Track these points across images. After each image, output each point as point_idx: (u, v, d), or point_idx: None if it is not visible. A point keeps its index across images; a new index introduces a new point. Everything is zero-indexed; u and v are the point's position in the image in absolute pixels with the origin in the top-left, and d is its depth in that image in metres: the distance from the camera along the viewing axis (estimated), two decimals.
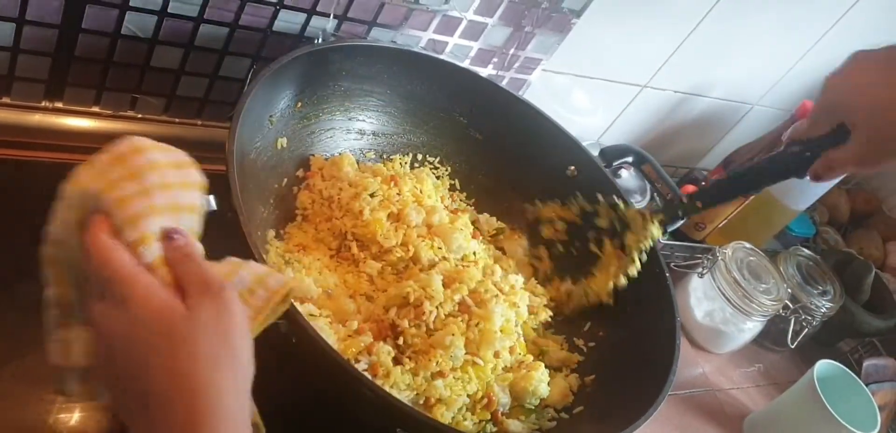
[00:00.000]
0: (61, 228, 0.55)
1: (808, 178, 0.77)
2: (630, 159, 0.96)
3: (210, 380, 0.44)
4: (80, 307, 0.51)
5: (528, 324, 0.88)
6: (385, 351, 0.74)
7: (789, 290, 1.20)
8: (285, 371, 0.63)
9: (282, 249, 0.83)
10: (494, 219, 0.99)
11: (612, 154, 0.97)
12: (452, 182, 1.00)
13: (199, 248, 0.53)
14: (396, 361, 0.75)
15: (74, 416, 0.67)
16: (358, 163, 0.92)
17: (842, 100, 0.74)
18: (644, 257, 0.87)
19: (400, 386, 0.72)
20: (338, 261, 0.85)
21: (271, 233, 0.83)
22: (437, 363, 0.74)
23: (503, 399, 0.79)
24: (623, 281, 0.88)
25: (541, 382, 0.80)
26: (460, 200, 0.99)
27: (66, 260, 0.53)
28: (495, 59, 1.04)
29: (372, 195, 0.86)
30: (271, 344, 0.53)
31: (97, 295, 0.48)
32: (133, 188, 0.50)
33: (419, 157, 0.99)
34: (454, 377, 0.75)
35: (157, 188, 0.51)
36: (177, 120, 0.92)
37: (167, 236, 0.49)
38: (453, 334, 0.75)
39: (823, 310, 1.21)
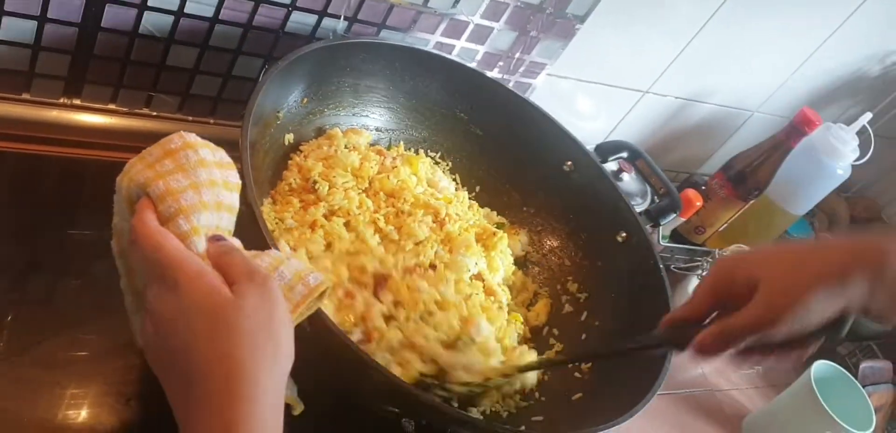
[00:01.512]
0: (119, 220, 0.58)
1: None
2: (625, 155, 0.98)
3: (249, 362, 0.46)
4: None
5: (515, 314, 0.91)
6: (378, 312, 0.76)
7: None
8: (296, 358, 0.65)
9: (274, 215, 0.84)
10: (494, 213, 1.01)
11: (607, 150, 0.99)
12: (453, 177, 1.02)
13: (239, 245, 0.56)
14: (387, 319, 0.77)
15: (82, 413, 0.68)
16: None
17: (743, 263, 0.62)
18: None
19: (392, 342, 0.74)
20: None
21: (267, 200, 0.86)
22: (423, 304, 0.77)
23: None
24: None
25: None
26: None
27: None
28: (501, 63, 1.06)
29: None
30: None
31: (148, 279, 0.51)
32: (185, 181, 0.53)
33: (420, 151, 1.01)
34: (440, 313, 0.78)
35: (205, 185, 0.54)
36: (190, 118, 0.94)
37: (213, 238, 0.53)
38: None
39: None
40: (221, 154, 0.57)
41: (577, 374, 0.86)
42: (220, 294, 0.48)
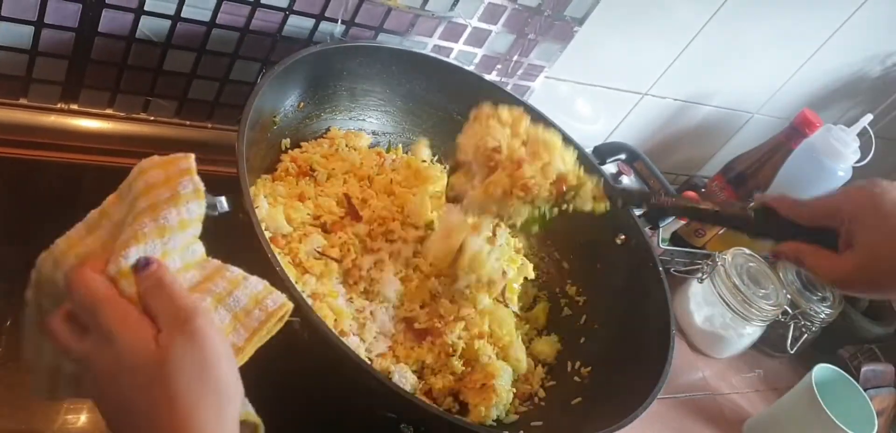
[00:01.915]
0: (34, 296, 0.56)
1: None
2: (623, 157, 0.97)
3: (192, 419, 0.44)
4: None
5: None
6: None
7: (789, 296, 1.21)
8: (293, 363, 0.65)
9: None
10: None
11: (605, 151, 0.99)
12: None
13: (197, 252, 0.53)
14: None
15: (82, 418, 0.69)
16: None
17: (853, 212, 0.64)
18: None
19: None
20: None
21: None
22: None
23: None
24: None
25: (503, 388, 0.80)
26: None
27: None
28: (499, 66, 1.06)
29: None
30: (280, 339, 0.54)
31: (86, 327, 0.48)
32: (125, 217, 0.52)
33: (422, 139, 1.00)
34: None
35: (144, 213, 0.51)
36: (188, 122, 0.94)
37: (137, 267, 0.49)
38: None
39: (823, 315, 1.22)
40: (175, 165, 0.53)
41: (576, 379, 0.86)
42: (148, 349, 0.46)
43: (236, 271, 0.54)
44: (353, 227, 0.83)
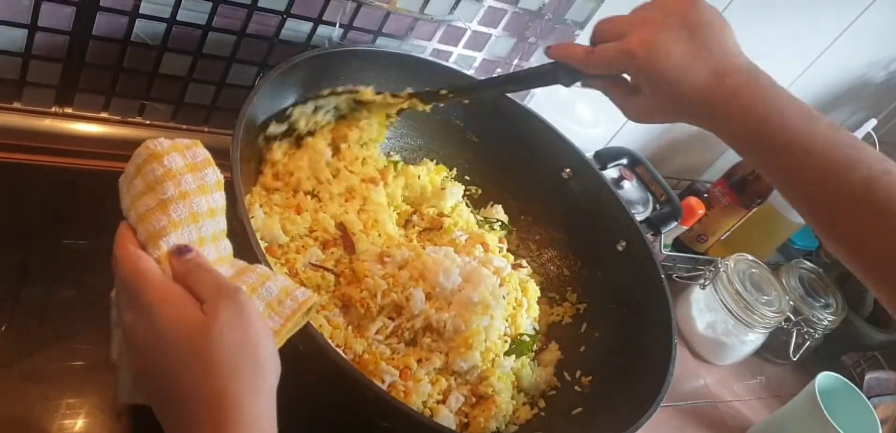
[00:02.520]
0: None
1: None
2: (625, 161, 0.96)
3: (230, 388, 0.45)
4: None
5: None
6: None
7: (791, 303, 1.20)
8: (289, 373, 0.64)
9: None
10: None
11: (606, 156, 0.98)
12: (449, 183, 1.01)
13: (227, 248, 0.55)
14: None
15: (78, 423, 0.68)
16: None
17: (642, 67, 0.66)
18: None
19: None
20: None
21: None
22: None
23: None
24: None
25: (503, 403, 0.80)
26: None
27: None
28: (499, 70, 1.05)
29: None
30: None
31: (126, 304, 0.50)
32: (153, 202, 0.52)
33: (425, 160, 1.00)
34: None
35: (174, 200, 0.52)
36: (184, 126, 0.93)
37: (176, 253, 0.51)
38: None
39: (825, 322, 1.21)
40: (195, 152, 0.54)
41: (577, 388, 0.85)
42: (191, 318, 0.47)
43: (264, 268, 0.56)
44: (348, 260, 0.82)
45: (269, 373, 0.48)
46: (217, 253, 0.55)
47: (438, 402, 0.76)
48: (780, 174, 0.63)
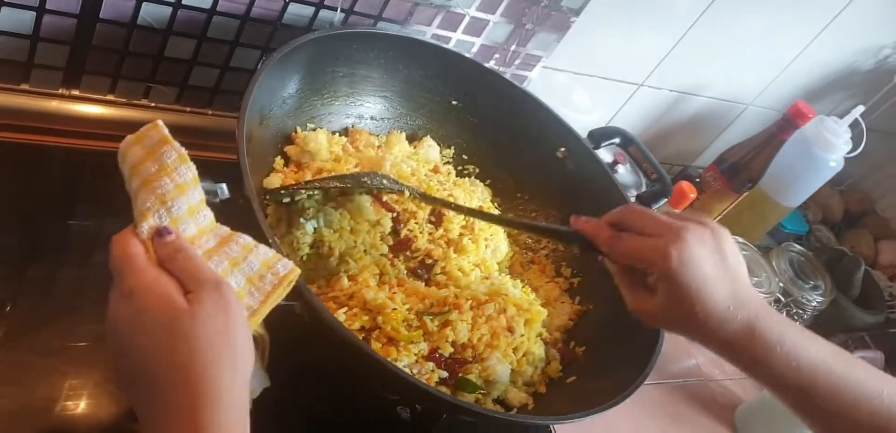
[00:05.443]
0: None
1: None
2: (617, 141, 0.98)
3: (210, 370, 0.47)
4: None
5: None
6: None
7: (781, 285, 1.22)
8: (294, 347, 0.65)
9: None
10: (488, 198, 1.02)
11: (599, 135, 1.00)
12: (448, 162, 1.02)
13: (208, 217, 0.55)
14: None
15: (82, 403, 0.69)
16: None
17: (666, 274, 0.66)
18: None
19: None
20: None
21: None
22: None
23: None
24: None
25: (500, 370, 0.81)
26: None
27: None
28: (497, 56, 1.06)
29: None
30: (282, 320, 0.56)
31: (113, 284, 0.51)
32: (130, 195, 0.54)
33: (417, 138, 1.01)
34: None
35: (141, 189, 0.53)
36: (188, 109, 0.94)
37: (157, 235, 0.52)
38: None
39: (814, 303, 1.23)
40: (151, 136, 0.55)
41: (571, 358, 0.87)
42: (174, 304, 0.48)
43: (248, 238, 0.57)
44: None
45: (246, 361, 0.50)
46: (197, 226, 0.55)
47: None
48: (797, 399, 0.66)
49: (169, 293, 0.49)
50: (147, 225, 0.52)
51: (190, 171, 0.55)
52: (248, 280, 0.54)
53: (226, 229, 0.57)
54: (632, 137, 0.98)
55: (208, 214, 0.56)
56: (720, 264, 0.65)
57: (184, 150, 0.55)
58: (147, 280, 0.49)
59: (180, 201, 0.54)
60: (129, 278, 0.49)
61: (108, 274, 0.60)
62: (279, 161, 0.87)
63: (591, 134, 1.00)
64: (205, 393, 0.46)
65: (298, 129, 0.90)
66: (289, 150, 0.88)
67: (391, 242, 0.84)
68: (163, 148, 0.54)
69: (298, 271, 0.56)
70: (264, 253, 0.56)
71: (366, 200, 0.83)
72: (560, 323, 0.91)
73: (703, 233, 0.65)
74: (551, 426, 0.89)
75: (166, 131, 0.55)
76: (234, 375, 0.48)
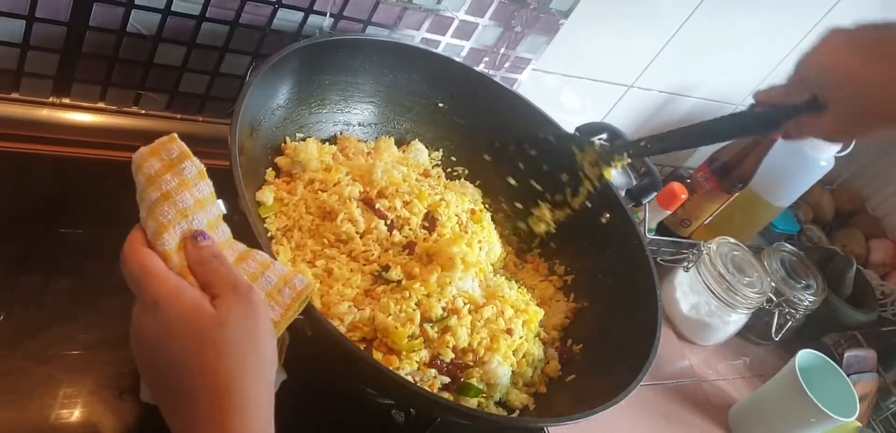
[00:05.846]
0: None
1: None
2: (605, 136, 0.99)
3: (237, 376, 0.47)
4: None
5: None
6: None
7: (773, 284, 1.23)
8: (298, 357, 0.65)
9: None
10: (479, 198, 1.02)
11: (587, 131, 1.00)
12: (437, 165, 1.03)
13: (225, 232, 0.56)
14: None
15: (76, 411, 0.69)
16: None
17: (819, 79, 0.75)
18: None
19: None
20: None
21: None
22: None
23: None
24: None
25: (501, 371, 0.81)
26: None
27: None
28: (487, 59, 1.07)
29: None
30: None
31: (135, 299, 0.51)
32: (144, 210, 0.54)
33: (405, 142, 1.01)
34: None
35: (159, 202, 0.54)
36: (178, 116, 0.94)
37: (192, 238, 0.53)
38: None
39: (806, 303, 1.24)
40: (170, 149, 0.55)
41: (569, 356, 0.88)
42: (202, 311, 0.49)
43: (264, 254, 0.58)
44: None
45: (271, 367, 0.51)
46: (216, 240, 0.56)
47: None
48: None
49: (196, 299, 0.49)
50: (167, 236, 0.52)
51: (208, 186, 0.56)
52: (267, 294, 0.55)
53: (242, 245, 0.58)
54: (618, 132, 0.99)
55: (226, 230, 0.57)
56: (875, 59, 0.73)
57: (203, 167, 0.56)
58: (170, 288, 0.50)
59: (200, 216, 0.54)
60: (152, 289, 0.49)
61: (103, 281, 0.61)
62: (270, 173, 0.87)
63: (579, 130, 1.01)
64: (232, 399, 0.47)
65: (288, 139, 0.89)
66: (279, 161, 0.88)
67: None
68: (183, 162, 0.55)
69: (316, 285, 0.59)
70: (281, 268, 0.57)
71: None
72: (556, 321, 0.91)
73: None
74: (545, 429, 0.89)
75: (184, 145, 0.56)
76: (260, 381, 0.49)
